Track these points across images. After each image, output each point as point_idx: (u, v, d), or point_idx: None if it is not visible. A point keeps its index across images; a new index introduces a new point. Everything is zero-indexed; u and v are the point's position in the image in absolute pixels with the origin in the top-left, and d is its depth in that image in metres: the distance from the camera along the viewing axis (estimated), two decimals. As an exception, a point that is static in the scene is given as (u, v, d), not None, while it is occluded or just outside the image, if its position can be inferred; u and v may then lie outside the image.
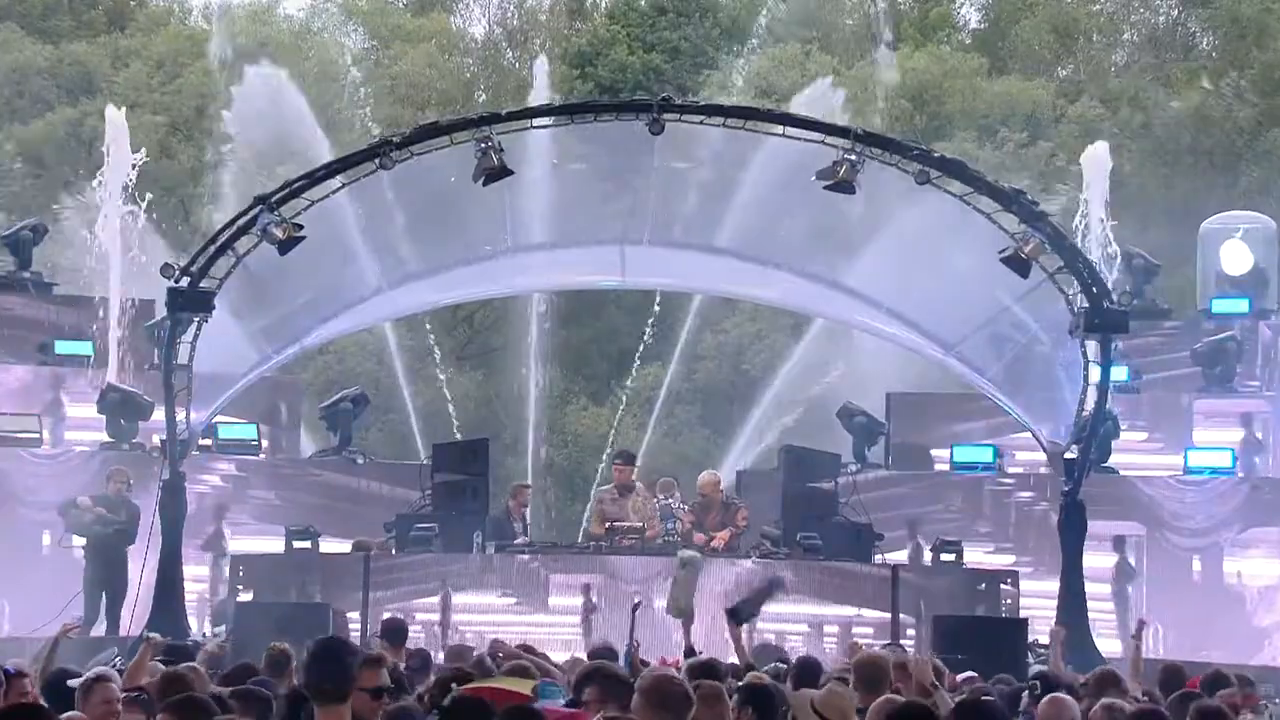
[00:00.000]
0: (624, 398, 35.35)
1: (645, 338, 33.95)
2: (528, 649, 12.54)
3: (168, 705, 6.88)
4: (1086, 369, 19.95)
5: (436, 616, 19.40)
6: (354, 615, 19.42)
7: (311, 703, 6.83)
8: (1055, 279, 19.52)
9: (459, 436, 29.86)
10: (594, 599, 19.45)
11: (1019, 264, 19.31)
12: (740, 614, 10.94)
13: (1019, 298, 20.59)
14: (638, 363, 35.48)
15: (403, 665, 12.45)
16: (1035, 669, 16.49)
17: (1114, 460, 23.38)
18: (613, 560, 19.77)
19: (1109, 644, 20.88)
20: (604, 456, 33.06)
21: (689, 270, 23.04)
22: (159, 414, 20.89)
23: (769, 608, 13.45)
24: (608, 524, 20.35)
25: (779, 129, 19.58)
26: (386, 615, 17.64)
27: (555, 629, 19.47)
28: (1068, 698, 9.31)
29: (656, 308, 33.84)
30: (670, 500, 20.79)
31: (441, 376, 32.45)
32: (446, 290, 23.52)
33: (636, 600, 13.05)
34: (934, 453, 24.41)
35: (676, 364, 36.03)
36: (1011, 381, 21.55)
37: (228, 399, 21.32)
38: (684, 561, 15.04)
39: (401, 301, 23.16)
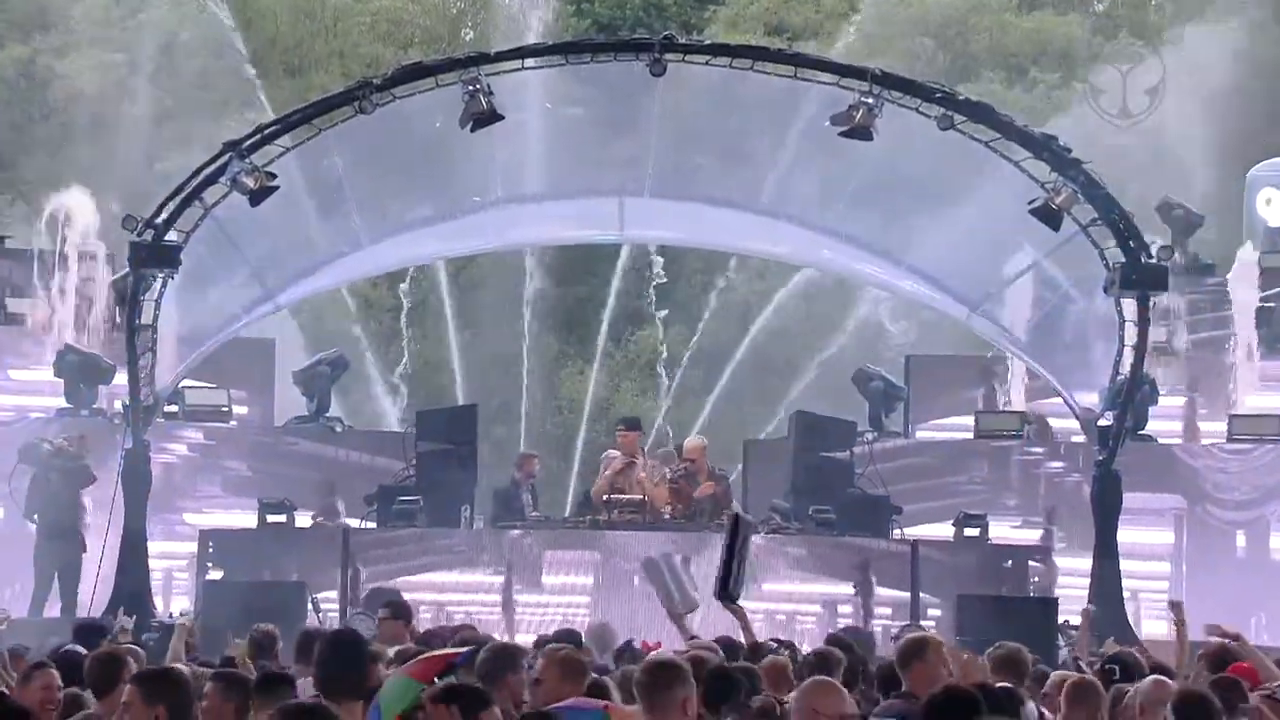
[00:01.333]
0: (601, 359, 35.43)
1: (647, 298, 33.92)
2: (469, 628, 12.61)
3: (137, 677, 6.98)
4: (1122, 329, 19.99)
5: (427, 597, 19.50)
6: (332, 594, 19.55)
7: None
8: (1089, 232, 19.56)
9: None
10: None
11: (1050, 215, 19.34)
12: (729, 589, 10.88)
13: (1049, 252, 20.64)
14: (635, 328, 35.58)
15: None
16: (1065, 651, 16.62)
17: (1151, 427, 23.42)
18: (611, 536, 19.84)
19: (1151, 626, 20.95)
20: (585, 420, 33.16)
21: (693, 224, 23.07)
22: (121, 378, 20.93)
23: (754, 561, 13.27)
24: (605, 495, 20.39)
25: (790, 70, 19.56)
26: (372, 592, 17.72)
27: (550, 610, 19.60)
28: (1170, 681, 9.44)
29: (659, 260, 33.86)
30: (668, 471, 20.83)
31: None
32: (432, 244, 23.54)
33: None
34: (957, 420, 24.45)
35: (680, 325, 36.01)
36: (1041, 343, 21.58)
37: (195, 361, 21.36)
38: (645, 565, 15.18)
39: (384, 257, 23.19)
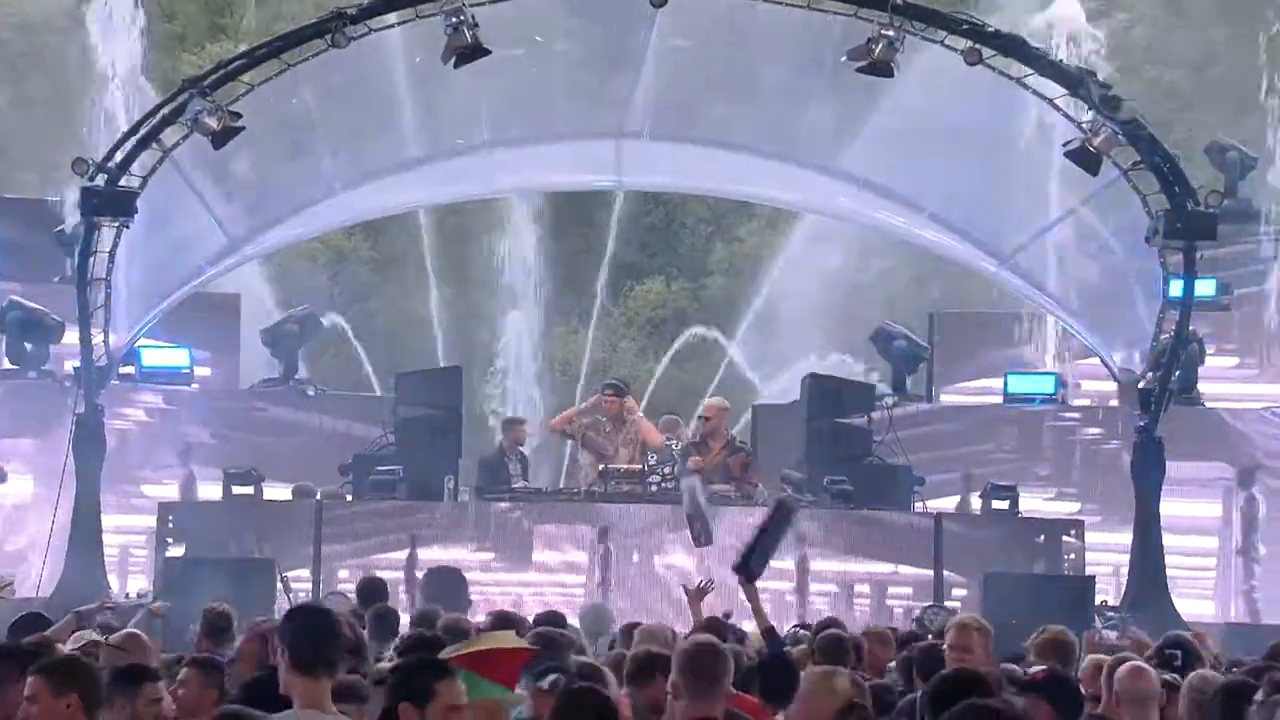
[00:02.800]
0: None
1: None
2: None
3: (41, 667, 7.02)
4: (1166, 283, 19.95)
5: (402, 575, 19.53)
6: (304, 573, 19.59)
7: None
8: (1130, 176, 19.50)
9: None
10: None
11: (1087, 159, 19.29)
12: (750, 566, 10.90)
13: (1087, 199, 20.61)
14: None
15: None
16: (1111, 633, 16.63)
17: (1198, 390, 23.40)
18: (608, 510, 19.88)
19: (1196, 606, 20.98)
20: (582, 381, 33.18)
21: (696, 169, 23.07)
22: (71, 336, 20.90)
23: (786, 547, 13.27)
24: (600, 465, 20.39)
25: (803, 0, 19.49)
26: (356, 574, 17.76)
27: (542, 590, 19.62)
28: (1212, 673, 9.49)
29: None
30: (674, 441, 20.84)
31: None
32: (413, 191, 23.54)
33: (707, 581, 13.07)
34: (985, 383, 24.44)
35: (684, 281, 36.05)
36: (1077, 298, 21.53)
37: (153, 318, 21.33)
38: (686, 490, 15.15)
39: (360, 204, 23.21)
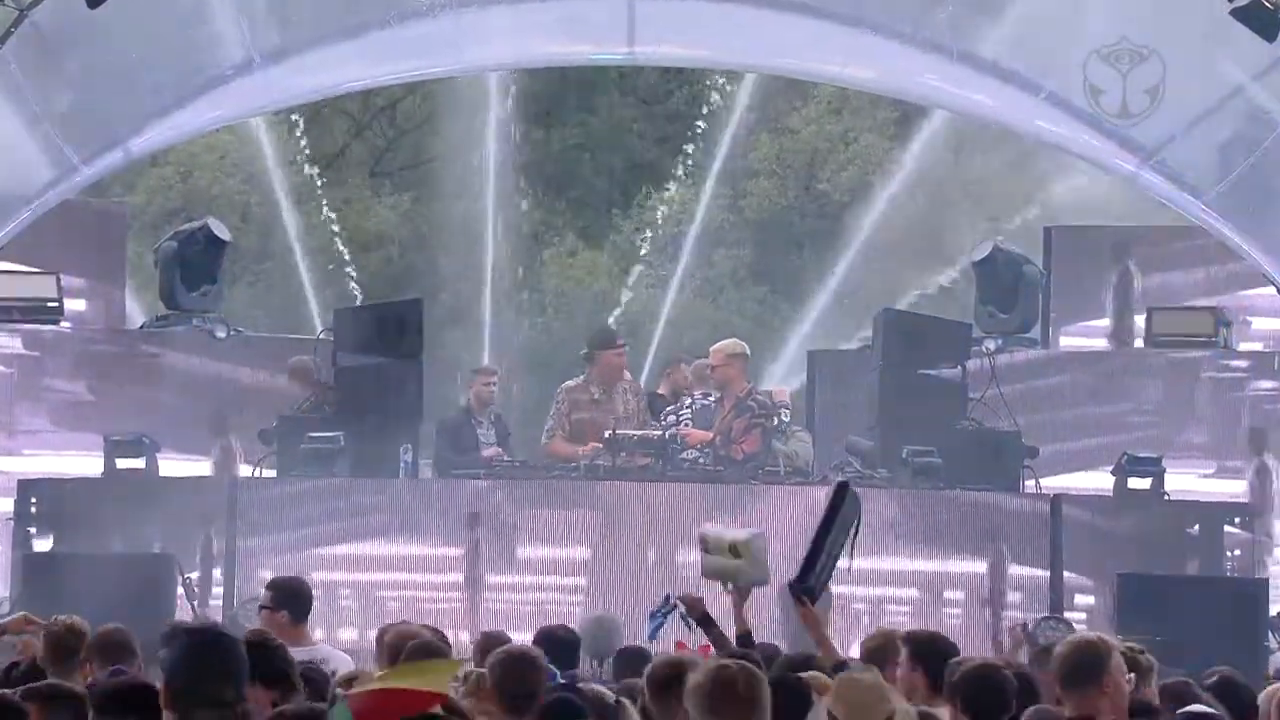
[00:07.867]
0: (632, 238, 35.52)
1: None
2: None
3: None
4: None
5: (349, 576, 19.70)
6: (213, 573, 19.70)
7: None
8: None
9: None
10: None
11: (1261, 18, 19.32)
12: (810, 582, 10.74)
13: (1259, 74, 20.61)
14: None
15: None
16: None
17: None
18: (617, 489, 19.91)
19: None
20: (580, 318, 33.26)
21: (733, 37, 23.06)
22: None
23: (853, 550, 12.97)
24: (605, 433, 20.39)
25: None
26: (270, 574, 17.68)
27: (527, 595, 19.73)
28: None
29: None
30: (710, 398, 20.84)
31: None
32: (355, 67, 23.53)
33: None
34: (1118, 321, 24.39)
35: (717, 186, 36.07)
36: (1245, 207, 21.48)
37: (8, 235, 21.27)
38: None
39: (283, 84, 23.23)
